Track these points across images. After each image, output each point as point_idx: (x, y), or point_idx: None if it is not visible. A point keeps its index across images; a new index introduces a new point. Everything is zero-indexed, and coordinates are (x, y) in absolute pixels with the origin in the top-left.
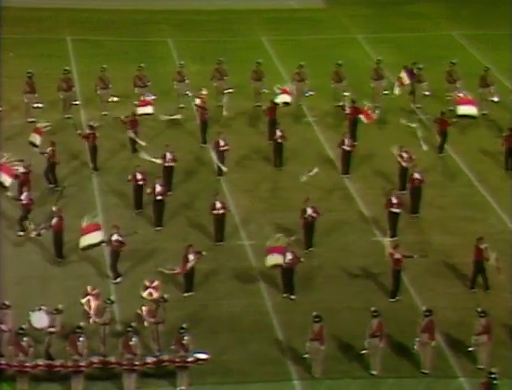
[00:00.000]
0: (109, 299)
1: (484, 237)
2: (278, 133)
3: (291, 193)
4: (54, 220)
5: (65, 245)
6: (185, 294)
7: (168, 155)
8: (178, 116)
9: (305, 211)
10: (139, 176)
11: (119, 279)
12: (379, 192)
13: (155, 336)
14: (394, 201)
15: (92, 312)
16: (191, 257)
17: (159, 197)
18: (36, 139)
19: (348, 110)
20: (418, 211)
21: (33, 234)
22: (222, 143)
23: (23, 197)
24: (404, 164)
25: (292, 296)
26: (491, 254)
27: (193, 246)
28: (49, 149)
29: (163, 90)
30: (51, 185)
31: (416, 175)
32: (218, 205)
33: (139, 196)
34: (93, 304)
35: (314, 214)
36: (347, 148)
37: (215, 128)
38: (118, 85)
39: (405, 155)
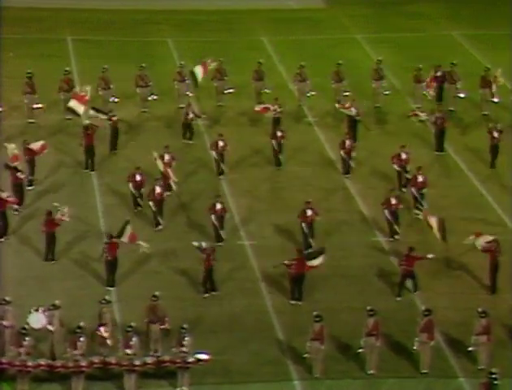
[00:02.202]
0: (104, 299)
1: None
2: (278, 133)
3: (291, 193)
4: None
5: (64, 246)
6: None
7: (166, 156)
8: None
9: (305, 212)
10: (138, 178)
11: None
12: (380, 192)
13: (157, 337)
14: (393, 201)
15: (106, 336)
16: None
17: (152, 204)
18: (79, 108)
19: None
20: (421, 210)
21: None
22: (221, 144)
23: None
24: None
25: (300, 303)
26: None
27: None
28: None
29: (163, 90)
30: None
31: (420, 178)
32: (218, 206)
33: (137, 196)
34: (102, 329)
35: (314, 215)
36: (347, 150)
37: (216, 128)
38: (117, 85)
39: (404, 156)
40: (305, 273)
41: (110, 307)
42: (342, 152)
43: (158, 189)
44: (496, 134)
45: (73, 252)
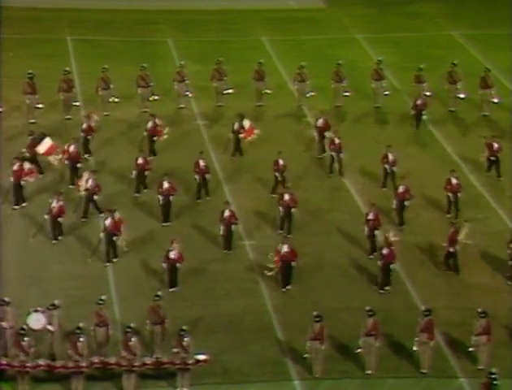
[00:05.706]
0: (101, 300)
1: (484, 237)
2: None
3: None
4: (55, 204)
5: (64, 245)
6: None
7: (201, 162)
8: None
9: (282, 197)
10: (166, 185)
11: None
12: (379, 192)
13: (159, 337)
14: (370, 217)
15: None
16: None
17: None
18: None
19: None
20: (403, 223)
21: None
22: (281, 162)
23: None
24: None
25: (288, 287)
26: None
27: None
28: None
29: (163, 90)
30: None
31: (400, 189)
32: (226, 213)
33: (167, 206)
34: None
35: (291, 202)
36: (390, 166)
37: (215, 128)
38: (117, 85)
39: (390, 157)
40: (290, 261)
41: (105, 307)
42: (386, 165)
43: (165, 185)
44: (496, 146)
45: (73, 251)
